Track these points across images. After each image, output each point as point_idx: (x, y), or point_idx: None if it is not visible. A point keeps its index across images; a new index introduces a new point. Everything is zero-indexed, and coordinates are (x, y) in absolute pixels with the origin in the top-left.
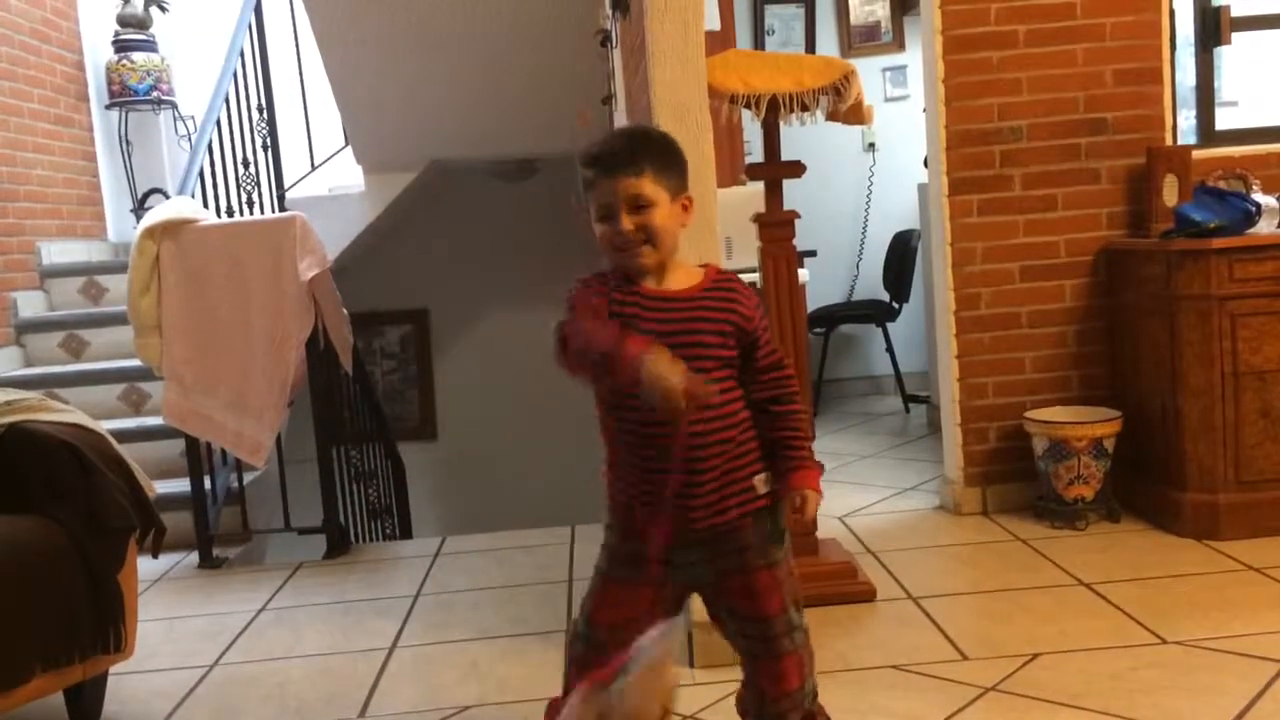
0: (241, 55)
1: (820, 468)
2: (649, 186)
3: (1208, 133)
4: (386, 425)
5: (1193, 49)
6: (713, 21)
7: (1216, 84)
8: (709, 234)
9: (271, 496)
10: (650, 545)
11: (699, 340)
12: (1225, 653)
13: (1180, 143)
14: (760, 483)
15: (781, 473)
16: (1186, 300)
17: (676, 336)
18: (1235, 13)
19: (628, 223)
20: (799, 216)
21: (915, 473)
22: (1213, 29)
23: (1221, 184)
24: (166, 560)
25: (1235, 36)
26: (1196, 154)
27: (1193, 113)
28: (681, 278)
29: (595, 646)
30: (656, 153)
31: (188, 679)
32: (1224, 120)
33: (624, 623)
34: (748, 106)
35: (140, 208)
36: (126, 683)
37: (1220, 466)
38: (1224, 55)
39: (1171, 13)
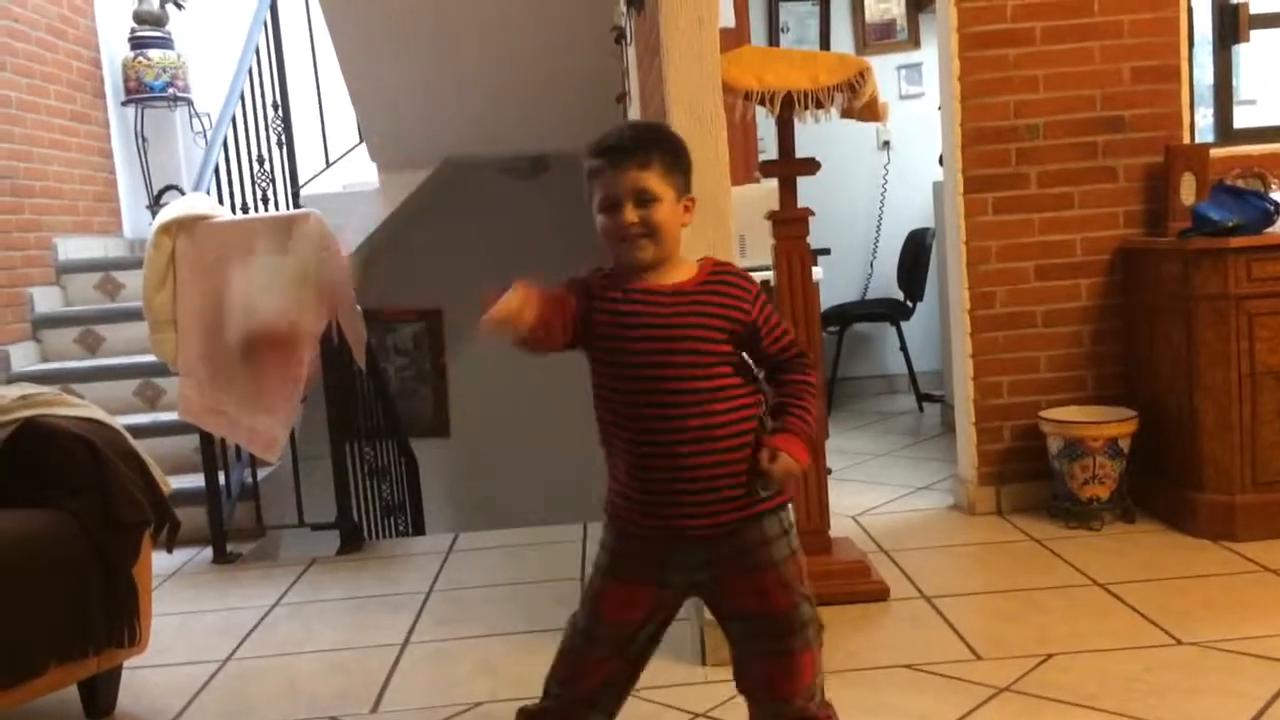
0: (257, 52)
1: (809, 443)
2: (655, 181)
3: (1226, 131)
4: (400, 422)
5: (1211, 46)
6: (727, 19)
7: (1235, 82)
8: (723, 231)
9: (285, 492)
10: (648, 546)
11: (689, 334)
12: (1241, 654)
13: (1198, 141)
14: (764, 485)
15: (769, 432)
16: (1204, 300)
17: (667, 330)
18: (1254, 10)
19: (632, 214)
20: (813, 214)
21: (929, 472)
22: (1231, 26)
23: (1240, 182)
24: (181, 555)
25: (1254, 34)
26: (1214, 152)
27: (1211, 111)
28: (679, 272)
29: (596, 643)
30: (666, 149)
31: (201, 674)
32: (1242, 118)
33: (627, 622)
34: (762, 103)
35: (156, 204)
36: (140, 677)
37: (1237, 467)
38: (1242, 53)
39: (1190, 10)
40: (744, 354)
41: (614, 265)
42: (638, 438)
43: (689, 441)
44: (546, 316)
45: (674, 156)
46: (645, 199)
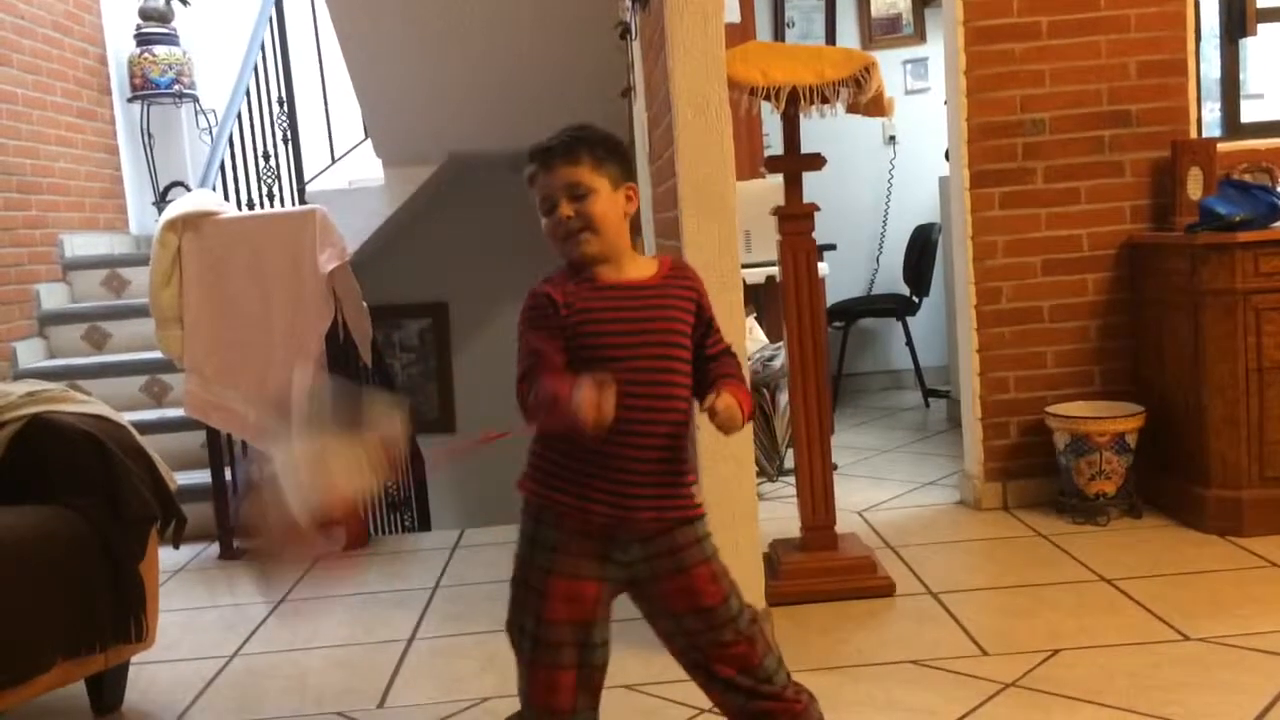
0: (262, 49)
1: (749, 399)
2: (586, 175)
3: (1233, 125)
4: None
5: (1218, 40)
6: (732, 14)
7: (1242, 76)
8: (728, 226)
9: None
10: (589, 541)
11: (658, 327)
12: (1248, 650)
13: (1205, 135)
14: (695, 492)
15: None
16: (1211, 294)
17: (638, 323)
18: (1261, 4)
19: (566, 209)
20: (819, 209)
21: (935, 467)
22: (1238, 20)
23: (1247, 177)
24: (187, 551)
25: (1261, 28)
26: (1221, 147)
27: (1218, 105)
28: (640, 267)
29: (551, 647)
30: (594, 144)
31: (208, 669)
32: (1249, 113)
33: (576, 620)
34: (767, 99)
35: (162, 200)
36: (147, 672)
37: (1244, 462)
38: (1250, 47)
39: (1197, 4)
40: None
41: (565, 267)
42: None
43: (651, 434)
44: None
45: (604, 149)
46: (578, 193)
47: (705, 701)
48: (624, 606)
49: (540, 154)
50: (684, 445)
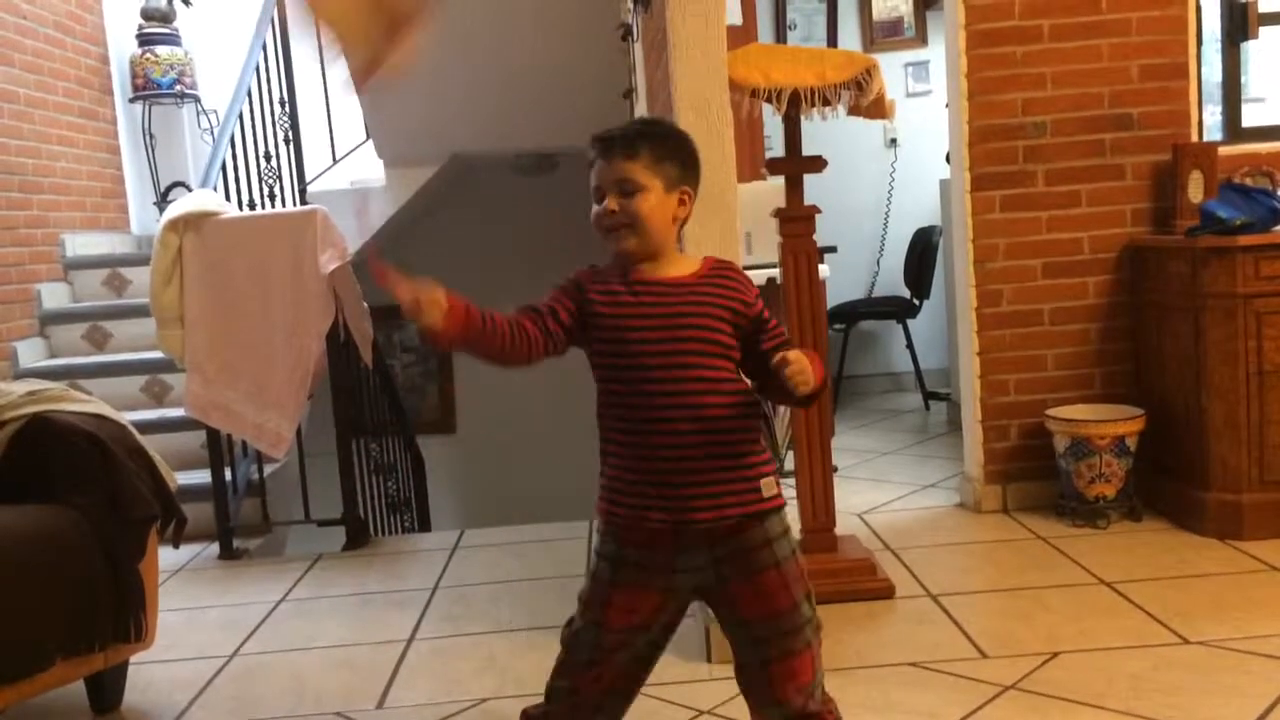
0: (264, 49)
1: (821, 363)
2: (640, 172)
3: (1234, 129)
4: (406, 418)
5: (1219, 44)
6: (734, 16)
7: (1244, 79)
8: (730, 228)
9: (291, 488)
10: (654, 550)
11: (690, 324)
12: (1248, 653)
13: (1206, 139)
14: (767, 485)
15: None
16: (1212, 298)
17: (671, 319)
18: (1263, 7)
19: (612, 204)
20: (819, 211)
21: (935, 470)
22: (1240, 24)
23: (1248, 181)
24: (187, 551)
25: (1263, 31)
26: (1223, 150)
27: (1219, 109)
28: (681, 265)
29: (601, 650)
30: (658, 142)
31: (207, 669)
32: (1251, 116)
33: (633, 628)
34: (769, 101)
35: (163, 200)
36: (146, 672)
37: (1244, 466)
38: (1251, 50)
39: (1198, 7)
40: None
41: (611, 259)
42: (643, 426)
43: (692, 431)
44: (462, 327)
45: (667, 148)
46: (628, 189)
47: (706, 703)
48: None
49: (602, 142)
50: (739, 439)
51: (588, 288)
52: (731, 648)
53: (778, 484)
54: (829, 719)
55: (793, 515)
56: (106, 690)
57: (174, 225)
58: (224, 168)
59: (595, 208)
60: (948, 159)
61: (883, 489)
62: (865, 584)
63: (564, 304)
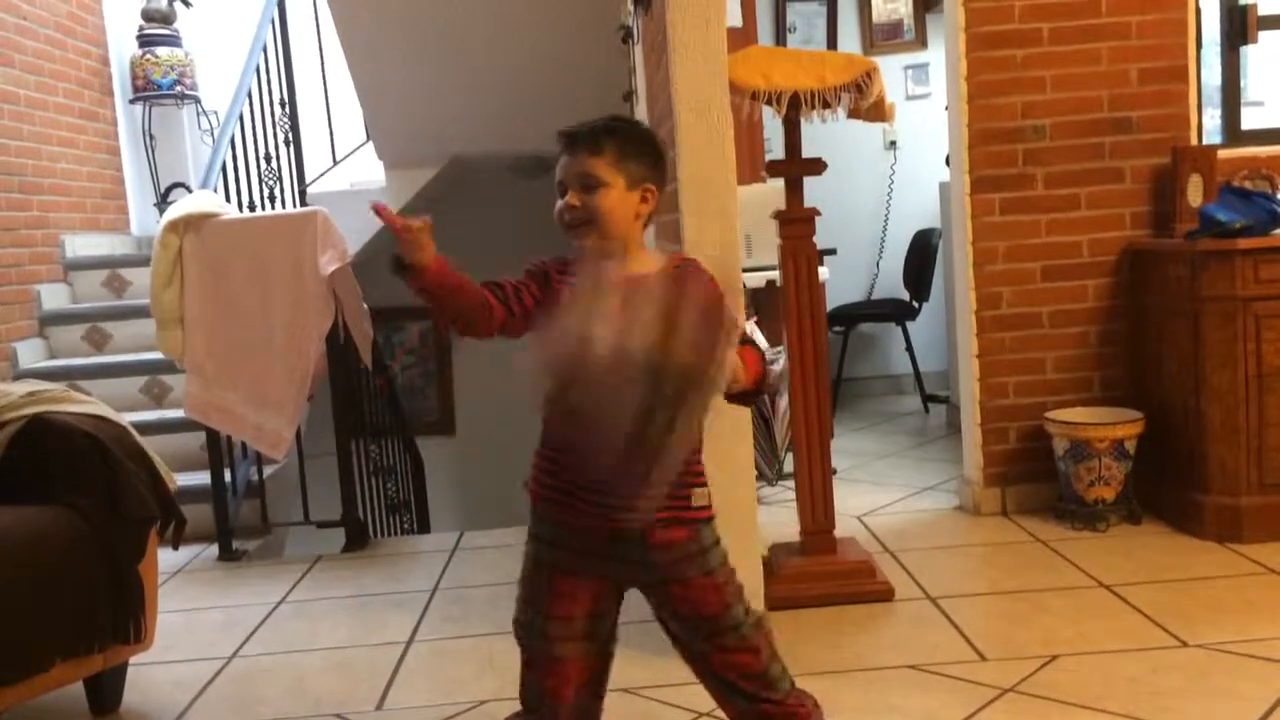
0: (264, 50)
1: (761, 363)
2: (603, 168)
3: (1233, 132)
4: (405, 420)
5: (1219, 48)
6: (734, 18)
7: (1243, 83)
8: (730, 230)
9: (291, 490)
10: (589, 538)
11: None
12: (1247, 656)
13: (1205, 142)
14: (698, 496)
15: None
16: (1211, 301)
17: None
18: (1262, 11)
19: (574, 199)
20: (819, 214)
21: (934, 472)
22: (1239, 27)
23: (1247, 184)
24: (186, 552)
25: (1262, 35)
26: (1222, 154)
27: (1218, 112)
28: (644, 263)
29: (555, 641)
30: (623, 138)
31: (206, 670)
32: (1250, 120)
33: (577, 616)
34: (769, 103)
35: (163, 202)
36: (146, 673)
37: (1243, 469)
38: (1250, 54)
39: (1198, 11)
40: None
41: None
42: (579, 430)
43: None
44: (440, 275)
45: (632, 145)
46: (590, 184)
47: (705, 705)
48: (629, 609)
49: (567, 137)
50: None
51: (554, 278)
52: (670, 641)
53: (708, 497)
54: (800, 712)
55: (792, 517)
56: (106, 691)
57: (174, 226)
58: (224, 169)
59: (559, 202)
60: (947, 162)
61: (882, 491)
62: (864, 586)
63: (530, 289)
